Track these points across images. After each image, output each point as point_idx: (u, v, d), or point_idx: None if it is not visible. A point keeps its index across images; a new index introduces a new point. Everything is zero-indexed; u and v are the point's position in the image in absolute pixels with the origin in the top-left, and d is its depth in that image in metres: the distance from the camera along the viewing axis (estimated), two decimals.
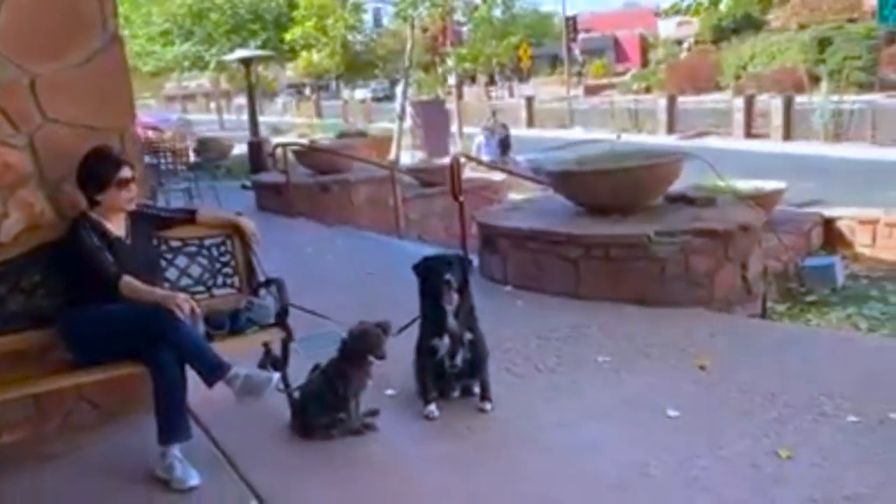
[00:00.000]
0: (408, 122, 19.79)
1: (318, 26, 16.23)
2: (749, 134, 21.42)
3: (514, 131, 24.88)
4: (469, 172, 12.48)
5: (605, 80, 41.21)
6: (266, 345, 3.53)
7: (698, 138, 22.27)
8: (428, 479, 2.96)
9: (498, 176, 11.58)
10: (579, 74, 43.60)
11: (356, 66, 21.12)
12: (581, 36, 46.01)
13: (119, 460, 3.29)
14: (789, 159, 16.91)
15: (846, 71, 27.09)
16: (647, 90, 33.87)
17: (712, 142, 21.41)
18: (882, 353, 4.01)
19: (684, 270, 4.94)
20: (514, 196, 11.94)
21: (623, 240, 5.05)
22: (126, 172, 3.21)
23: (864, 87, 25.94)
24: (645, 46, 47.85)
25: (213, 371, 3.00)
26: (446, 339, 3.41)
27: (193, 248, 3.67)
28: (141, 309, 3.04)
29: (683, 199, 5.77)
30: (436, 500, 2.82)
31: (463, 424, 3.38)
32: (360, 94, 47.53)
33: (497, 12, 19.42)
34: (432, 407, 3.44)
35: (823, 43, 28.36)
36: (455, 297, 3.34)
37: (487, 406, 3.47)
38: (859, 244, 7.52)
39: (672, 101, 24.05)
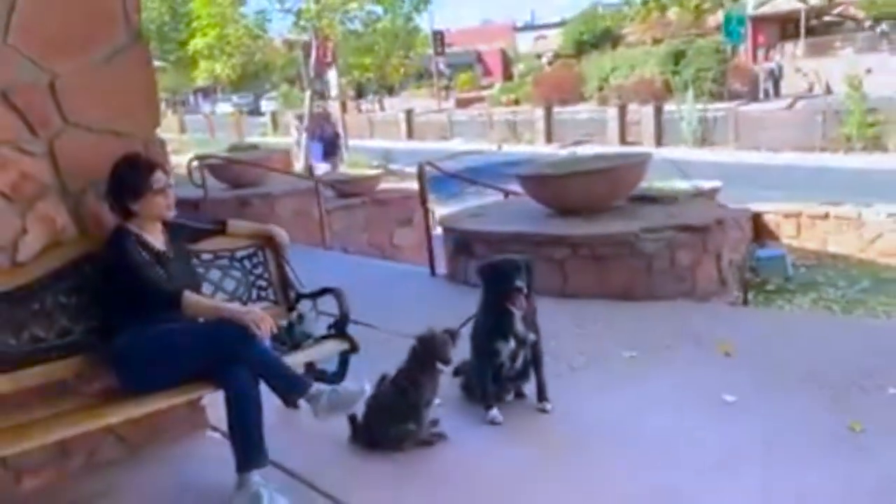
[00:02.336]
0: (293, 135, 19.36)
1: (219, 36, 15.57)
2: (624, 141, 22.62)
3: (394, 144, 24.95)
4: (388, 183, 12.42)
5: (473, 93, 42.15)
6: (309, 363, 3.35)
7: (576, 146, 23.26)
8: (517, 484, 2.88)
9: (413, 187, 11.52)
10: (447, 87, 44.37)
11: (249, 77, 20.44)
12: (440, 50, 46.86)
13: (170, 496, 3.00)
14: (666, 164, 17.97)
15: (699, 82, 29.16)
16: (516, 102, 34.98)
17: (590, 149, 22.39)
18: (879, 332, 4.34)
19: (669, 265, 5.14)
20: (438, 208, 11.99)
21: (610, 238, 5.18)
22: (161, 177, 2.96)
23: (715, 97, 27.99)
24: (506, 60, 49.45)
25: (296, 388, 2.81)
26: (511, 343, 3.36)
27: (226, 261, 3.43)
28: (211, 326, 2.80)
29: (646, 199, 6.01)
30: (545, 501, 2.76)
31: (529, 427, 3.34)
32: (223, 107, 46.04)
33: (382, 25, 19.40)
34: (495, 411, 3.37)
35: (678, 56, 30.43)
36: (524, 301, 3.30)
37: (548, 406, 3.44)
38: (785, 236, 8.14)
39: (549, 112, 24.99)
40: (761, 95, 29.60)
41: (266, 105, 44.03)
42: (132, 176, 2.94)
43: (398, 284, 6.12)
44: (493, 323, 3.37)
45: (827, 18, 36.47)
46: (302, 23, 15.80)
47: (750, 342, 4.14)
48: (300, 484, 2.94)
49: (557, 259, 5.30)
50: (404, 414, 3.10)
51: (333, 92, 23.28)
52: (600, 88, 32.33)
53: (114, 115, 3.14)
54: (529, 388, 3.57)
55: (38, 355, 2.90)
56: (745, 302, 5.43)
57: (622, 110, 23.16)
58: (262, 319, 2.78)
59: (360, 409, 3.10)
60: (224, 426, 3.42)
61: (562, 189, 5.74)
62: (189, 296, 2.83)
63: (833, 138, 18.75)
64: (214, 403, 3.35)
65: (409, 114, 31.11)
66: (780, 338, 4.25)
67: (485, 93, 41.72)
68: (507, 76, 45.96)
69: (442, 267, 6.52)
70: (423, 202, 6.42)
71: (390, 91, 44.73)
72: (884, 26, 32.88)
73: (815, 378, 3.59)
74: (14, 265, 2.94)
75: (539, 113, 25.28)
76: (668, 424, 3.24)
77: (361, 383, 2.88)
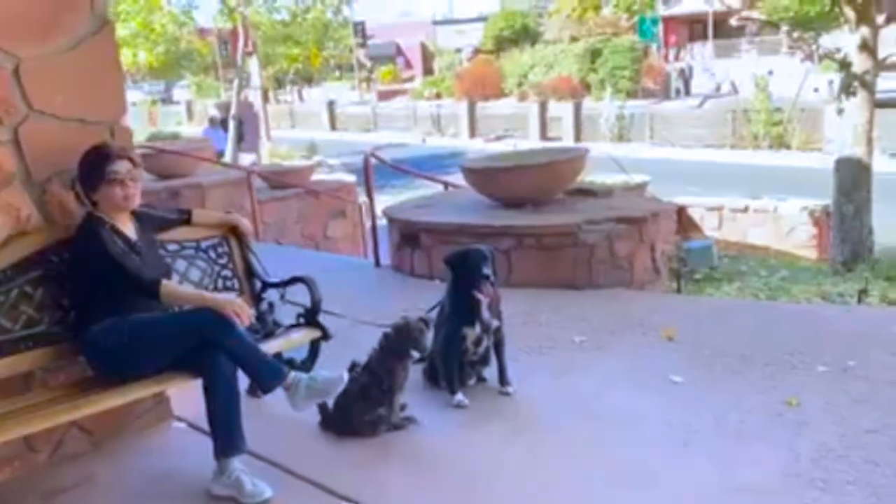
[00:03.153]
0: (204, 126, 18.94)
1: (144, 23, 15.01)
2: (545, 136, 23.15)
3: (316, 135, 24.73)
4: (321, 175, 12.35)
5: (395, 86, 42.14)
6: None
7: (499, 141, 23.67)
8: (488, 463, 3.00)
9: (349, 177, 11.55)
10: (368, 80, 44.16)
11: (172, 65, 19.81)
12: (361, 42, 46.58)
13: (138, 488, 2.99)
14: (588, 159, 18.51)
15: (615, 80, 30.05)
16: (438, 96, 35.20)
17: (512, 144, 22.81)
18: (803, 315, 4.69)
19: (609, 255, 5.38)
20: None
21: (555, 229, 5.38)
22: (119, 166, 2.90)
23: (630, 95, 28.92)
24: (426, 54, 49.56)
25: (274, 377, 2.85)
26: (477, 328, 3.49)
27: (191, 251, 3.43)
28: (190, 314, 2.82)
29: (584, 192, 6.25)
30: (517, 478, 2.90)
31: (493, 409, 3.48)
32: (133, 95, 44.41)
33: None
34: (461, 395, 3.50)
35: (594, 54, 31.25)
36: (491, 289, 3.43)
37: (510, 389, 3.60)
38: (708, 228, 8.59)
39: (472, 107, 25.31)
40: (673, 94, 30.75)
41: (178, 94, 42.77)
42: (88, 166, 2.91)
43: (343, 276, 6.16)
44: (460, 309, 3.49)
45: (733, 21, 38.13)
46: (226, 11, 15.43)
47: (688, 327, 4.41)
48: (277, 470, 2.99)
49: (503, 249, 5.44)
50: (378, 400, 3.19)
51: (255, 81, 22.88)
52: (520, 84, 32.86)
53: (80, 103, 3.09)
54: (489, 372, 3.72)
55: (4, 347, 2.84)
56: (679, 290, 5.74)
57: (543, 106, 23.70)
58: (241, 308, 2.81)
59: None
60: (189, 416, 3.47)
61: (506, 182, 5.90)
62: (167, 284, 2.84)
63: (742, 136, 19.74)
64: (179, 394, 3.37)
65: (331, 105, 30.86)
66: (714, 323, 4.54)
67: (406, 86, 41.77)
68: (428, 70, 46.09)
69: (385, 258, 6.60)
70: (369, 193, 6.47)
71: (309, 82, 44.18)
72: (784, 30, 34.71)
73: (751, 359, 3.87)
74: None
75: (463, 107, 25.56)
76: (623, 404, 3.44)
77: (339, 371, 2.95)
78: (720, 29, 36.98)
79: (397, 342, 3.22)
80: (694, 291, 6.27)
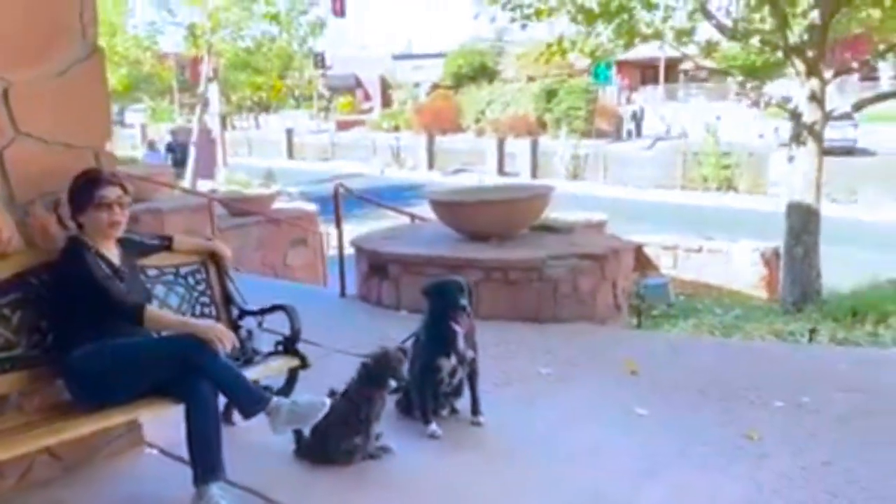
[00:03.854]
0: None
1: (107, 46, 14.87)
2: (502, 172, 23.52)
3: (274, 163, 24.67)
4: (281, 203, 12.33)
5: (353, 117, 42.36)
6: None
7: (457, 174, 23.95)
8: (461, 492, 3.06)
9: (310, 206, 11.57)
10: (326, 109, 44.34)
11: (132, 88, 19.61)
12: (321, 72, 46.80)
13: None
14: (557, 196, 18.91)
15: (570, 120, 30.79)
16: (396, 128, 35.54)
17: (470, 179, 23.12)
18: (757, 353, 4.89)
19: (573, 290, 5.54)
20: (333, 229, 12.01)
21: (521, 263, 5.52)
22: (109, 192, 2.93)
23: (584, 135, 29.63)
24: (385, 87, 50.00)
25: (258, 402, 2.88)
26: (452, 359, 3.57)
27: (170, 277, 3.44)
28: (173, 339, 2.83)
29: (546, 228, 6.42)
30: None
31: (466, 440, 3.54)
32: None
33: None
34: (434, 426, 3.55)
35: (550, 94, 32.01)
36: (468, 320, 3.52)
37: (482, 419, 3.67)
38: (663, 267, 8.85)
39: (431, 140, 25.59)
40: (625, 135, 31.60)
41: (131, 117, 42.21)
42: (78, 188, 2.94)
43: (309, 305, 6.07)
44: (436, 340, 3.56)
45: (683, 67, 39.47)
46: (191, 38, 15.43)
47: (649, 361, 4.56)
48: (255, 497, 3.00)
49: (471, 282, 5.54)
50: (355, 428, 3.23)
51: (214, 108, 22.80)
52: (477, 120, 33.43)
53: (66, 127, 3.11)
54: (461, 403, 3.79)
55: None
56: (639, 325, 5.91)
57: (501, 143, 24.10)
58: (224, 334, 2.84)
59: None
60: (161, 443, 3.46)
61: (473, 215, 6.04)
62: (151, 310, 2.86)
63: (692, 178, 20.37)
64: (151, 420, 3.36)
65: (289, 133, 30.83)
66: (674, 358, 4.71)
67: (364, 117, 42.03)
68: (386, 102, 46.48)
69: (351, 287, 6.64)
70: (338, 223, 6.53)
71: (266, 109, 44.12)
72: (731, 78, 36.07)
73: (710, 393, 4.03)
74: None
75: (422, 140, 25.83)
76: (591, 435, 3.55)
77: (321, 398, 2.99)
78: (670, 74, 38.30)
79: (376, 371, 3.27)
80: (652, 327, 6.46)
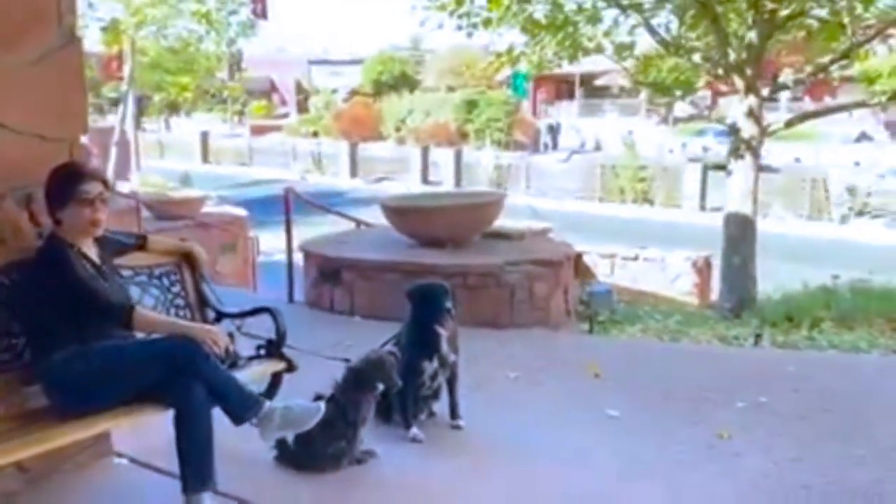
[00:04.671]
0: None
1: None
2: (426, 181, 23.60)
3: (188, 166, 23.98)
4: (210, 207, 11.96)
5: (268, 122, 41.56)
6: None
7: (380, 183, 23.88)
8: (450, 495, 3.06)
9: (240, 211, 11.29)
10: (241, 113, 43.35)
11: None
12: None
13: None
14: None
15: (489, 131, 31.23)
16: (315, 134, 35.11)
17: (394, 187, 23.11)
18: (710, 356, 5.09)
19: (528, 295, 5.62)
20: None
21: (479, 269, 5.56)
22: (91, 187, 2.79)
23: (502, 146, 30.11)
24: (300, 92, 49.34)
25: (250, 408, 2.78)
26: (435, 362, 3.55)
27: (144, 278, 3.28)
28: (164, 341, 2.71)
29: (497, 235, 6.50)
30: None
31: (447, 443, 3.54)
32: None
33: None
34: (415, 430, 3.53)
35: (471, 105, 32.37)
36: (452, 324, 3.52)
37: (461, 423, 3.67)
38: (601, 274, 9.08)
39: (354, 147, 25.42)
40: (542, 148, 32.29)
41: None
42: (58, 182, 2.78)
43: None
44: (419, 343, 3.54)
45: (597, 83, 40.71)
46: (112, 33, 14.74)
47: (611, 365, 4.67)
48: None
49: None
50: (342, 433, 3.17)
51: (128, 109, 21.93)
52: (398, 129, 33.45)
53: (40, 118, 2.94)
54: (437, 406, 3.78)
55: None
56: (591, 331, 6.05)
57: (425, 151, 24.19)
58: (218, 336, 2.75)
59: None
60: (130, 451, 3.30)
61: (429, 221, 6.05)
62: (140, 311, 2.74)
63: (609, 190, 21.02)
64: (118, 428, 3.20)
65: (205, 136, 29.98)
66: (632, 361, 4.85)
67: (280, 122, 41.32)
68: (302, 108, 45.86)
69: (298, 294, 6.53)
70: (288, 228, 6.41)
71: (176, 111, 42.75)
72: (643, 95, 37.47)
73: (674, 395, 4.18)
74: None
75: (344, 147, 25.62)
76: (569, 437, 3.61)
77: (316, 403, 2.93)
78: (585, 89, 39.43)
79: (364, 375, 3.23)
80: (601, 332, 6.62)
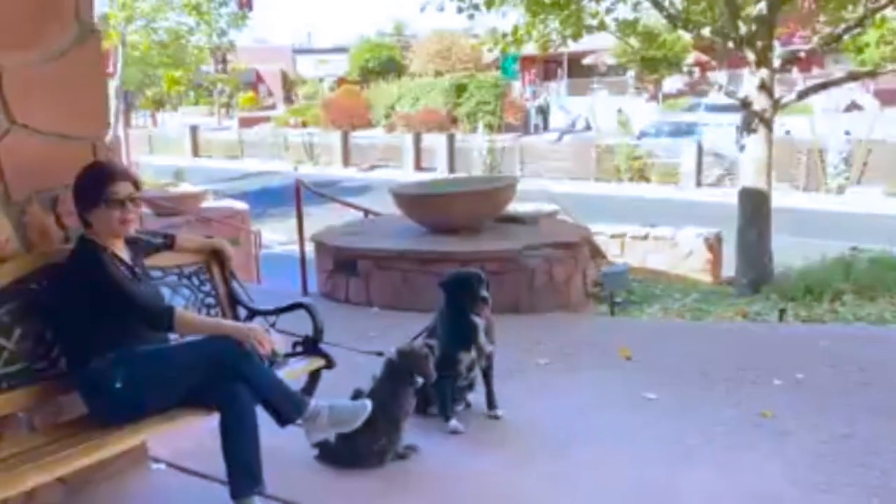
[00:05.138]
0: None
1: None
2: (419, 167, 23.45)
3: (178, 161, 23.76)
4: (211, 202, 11.81)
5: (257, 113, 41.17)
6: None
7: (373, 171, 23.72)
8: (503, 486, 2.99)
9: (241, 205, 11.16)
10: (228, 105, 42.93)
11: None
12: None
13: None
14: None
15: (480, 114, 31.01)
16: (304, 124, 34.80)
17: (388, 174, 22.97)
18: (737, 334, 5.03)
19: (549, 279, 5.55)
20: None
21: (498, 254, 5.48)
22: (121, 188, 2.69)
23: (493, 129, 29.90)
24: (286, 82, 48.95)
25: (297, 408, 2.71)
26: (473, 352, 3.48)
27: (174, 278, 3.19)
28: (209, 343, 2.62)
29: (511, 219, 6.41)
30: (538, 502, 2.90)
31: (489, 434, 3.47)
32: None
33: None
34: (455, 422, 3.46)
35: (460, 89, 32.11)
36: (488, 313, 3.44)
37: (500, 413, 3.60)
38: (611, 255, 9.01)
39: (346, 136, 25.20)
40: (532, 129, 32.12)
41: None
42: (86, 184, 2.68)
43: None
44: (456, 333, 3.46)
45: (585, 62, 40.51)
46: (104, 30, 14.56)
47: (639, 347, 4.60)
48: None
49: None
50: (384, 428, 3.10)
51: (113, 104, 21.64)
52: (387, 116, 33.19)
53: (62, 117, 2.83)
54: (472, 396, 3.71)
55: None
56: (612, 312, 5.99)
57: (417, 138, 24.02)
58: (263, 335, 2.67)
59: None
60: (166, 456, 3.23)
61: (443, 208, 5.95)
62: (182, 313, 2.65)
63: (605, 169, 20.93)
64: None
65: (194, 130, 29.67)
66: (661, 342, 4.79)
67: (268, 113, 40.96)
68: (287, 98, 45.50)
69: (311, 285, 6.44)
70: (300, 220, 6.30)
71: (161, 106, 42.31)
72: (630, 73, 37.33)
73: (709, 375, 4.11)
74: None
75: (336, 136, 25.40)
76: (612, 422, 3.54)
77: (362, 401, 2.85)
78: (573, 68, 39.22)
79: (402, 368, 3.16)
80: (621, 313, 6.57)
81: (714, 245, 9.52)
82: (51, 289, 2.71)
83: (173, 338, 2.78)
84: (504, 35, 9.31)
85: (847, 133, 18.53)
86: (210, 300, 3.30)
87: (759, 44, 8.39)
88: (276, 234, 14.46)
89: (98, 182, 2.66)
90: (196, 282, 3.27)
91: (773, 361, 4.29)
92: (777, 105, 8.69)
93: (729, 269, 9.50)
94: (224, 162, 26.38)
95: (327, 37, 55.25)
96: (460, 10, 8.99)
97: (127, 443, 2.53)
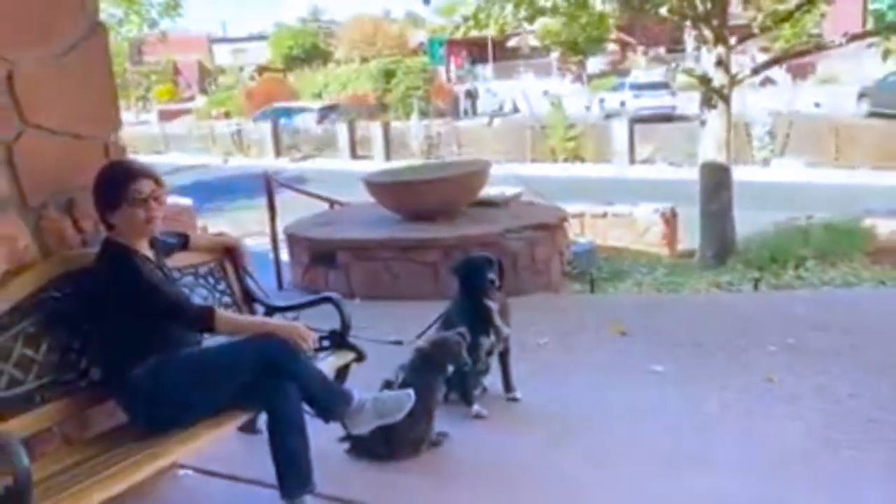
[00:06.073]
0: None
1: None
2: (355, 155, 23.20)
3: None
4: None
5: (177, 106, 39.84)
6: None
7: (307, 161, 23.34)
8: (549, 467, 2.99)
9: (184, 201, 10.78)
10: (145, 99, 41.40)
11: None
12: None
13: None
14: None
15: (409, 100, 30.90)
16: (227, 115, 33.90)
17: (323, 163, 22.65)
18: (718, 304, 5.21)
19: (531, 261, 5.61)
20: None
21: (480, 239, 5.50)
22: (143, 185, 2.58)
23: (423, 114, 29.83)
24: (203, 72, 47.53)
25: (343, 403, 2.68)
26: (492, 336, 3.50)
27: (191, 278, 3.08)
28: (250, 343, 2.54)
29: (483, 203, 6.44)
30: (577, 479, 2.94)
31: (512, 416, 3.50)
32: None
33: None
34: (478, 406, 3.48)
35: (388, 74, 31.93)
36: (501, 295, 3.46)
37: (518, 395, 3.64)
38: (571, 233, 9.12)
39: (276, 126, 24.68)
40: (461, 114, 32.19)
41: None
42: (107, 184, 2.56)
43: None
44: (472, 319, 3.46)
45: (509, 44, 40.82)
46: None
47: (630, 322, 4.72)
48: None
49: (430, 262, 5.47)
50: (418, 417, 3.08)
51: None
52: None
53: (74, 116, 2.69)
54: (487, 380, 3.73)
55: (18, 402, 2.40)
56: (592, 290, 6.09)
57: (351, 125, 23.74)
58: (306, 332, 2.61)
59: None
60: (191, 461, 3.13)
61: (419, 195, 5.93)
62: (222, 313, 2.57)
63: (540, 151, 21.19)
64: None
65: None
66: (649, 316, 4.91)
67: (188, 105, 39.72)
68: (202, 88, 44.22)
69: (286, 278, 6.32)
70: (272, 214, 6.16)
71: None
72: (554, 55, 37.82)
73: (706, 345, 4.25)
74: None
75: (266, 127, 24.84)
76: (628, 397, 3.62)
77: (406, 390, 2.83)
78: (498, 52, 39.48)
79: (436, 358, 3.16)
80: (598, 290, 6.69)
81: (670, 219, 9.80)
82: (75, 296, 2.59)
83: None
84: (466, 19, 9.31)
85: (769, 112, 19.23)
86: (226, 298, 3.20)
87: (715, 21, 8.65)
88: (222, 229, 14.11)
89: (119, 181, 2.54)
90: (212, 280, 3.17)
91: (759, 329, 4.46)
92: (734, 81, 8.99)
93: (684, 242, 9.81)
94: (148, 157, 25.43)
95: (242, 25, 53.66)
96: None
97: (185, 449, 2.44)
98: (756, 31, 9.20)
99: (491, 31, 9.88)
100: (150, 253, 2.65)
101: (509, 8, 8.61)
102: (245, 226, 11.94)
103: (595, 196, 12.03)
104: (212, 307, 2.56)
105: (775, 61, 10.41)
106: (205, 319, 2.51)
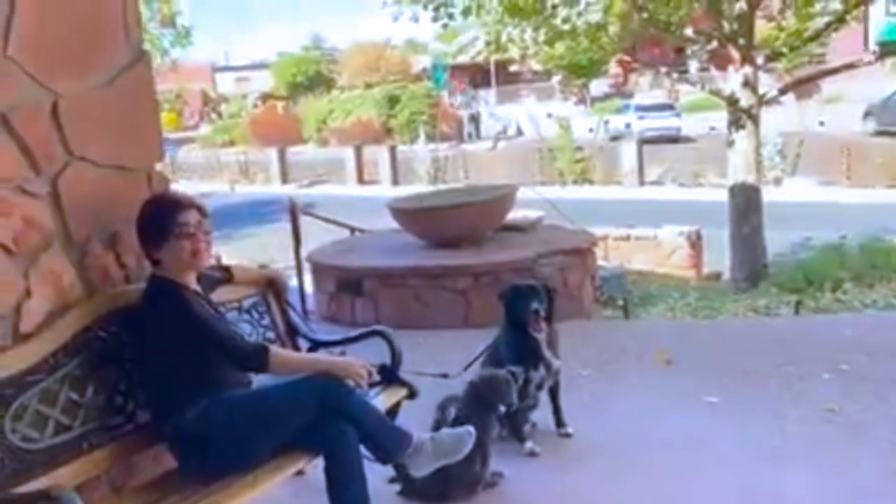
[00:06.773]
0: None
1: None
2: (362, 181, 23.17)
3: None
4: None
5: (181, 134, 39.95)
6: None
7: (314, 187, 23.30)
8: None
9: None
10: None
11: None
12: None
13: None
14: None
15: (414, 125, 30.97)
16: (232, 143, 33.99)
17: (330, 189, 22.60)
18: (761, 329, 5.07)
19: (563, 287, 5.47)
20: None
21: (512, 265, 5.38)
22: (188, 217, 2.47)
23: (429, 139, 29.88)
24: (207, 101, 47.79)
25: (402, 444, 2.54)
26: (542, 370, 3.36)
27: (235, 313, 2.96)
28: (306, 382, 2.42)
29: (509, 228, 6.33)
30: None
31: (565, 452, 3.36)
32: None
33: None
34: (531, 443, 3.34)
35: (393, 100, 32.01)
36: (544, 325, 3.33)
37: (570, 430, 3.49)
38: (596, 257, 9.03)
39: (282, 153, 24.70)
40: (466, 137, 32.25)
41: None
42: (152, 218, 2.46)
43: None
44: (521, 353, 3.33)
45: (511, 69, 41.00)
46: None
47: (673, 350, 4.57)
48: None
49: (460, 289, 5.35)
50: (473, 457, 2.94)
51: None
52: (319, 130, 32.77)
53: (118, 147, 2.61)
54: (536, 415, 3.59)
55: (67, 449, 2.27)
56: (626, 316, 5.96)
57: (358, 151, 23.76)
58: (363, 369, 2.49)
59: None
60: None
61: (444, 221, 5.82)
62: (277, 350, 2.45)
63: (548, 173, 21.15)
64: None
65: None
66: (692, 344, 4.77)
67: (192, 133, 39.86)
68: (204, 116, 44.43)
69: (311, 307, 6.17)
70: (296, 240, 6.04)
71: None
72: (556, 78, 37.95)
73: (755, 374, 4.10)
74: (18, 338, 2.28)
75: (272, 154, 24.86)
76: (684, 430, 3.47)
77: (465, 428, 2.70)
78: (500, 76, 39.62)
79: (485, 395, 3.03)
80: (631, 315, 6.55)
81: (695, 242, 9.68)
82: (122, 336, 2.47)
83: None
84: (488, 44, 9.27)
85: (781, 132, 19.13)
86: (270, 334, 3.08)
87: (741, 41, 8.60)
88: (232, 257, 14.03)
89: (164, 214, 2.44)
90: (255, 315, 3.06)
91: (807, 355, 4.32)
92: (762, 100, 8.92)
93: (709, 264, 9.68)
94: None
95: (244, 54, 54.05)
96: (435, 20, 8.89)
97: (246, 497, 2.28)
98: (784, 50, 9.15)
99: (502, 55, 9.83)
100: (198, 288, 2.54)
101: (529, 32, 8.58)
102: (252, 254, 11.83)
103: (609, 218, 11.93)
104: (266, 345, 2.45)
105: (803, 81, 10.36)
106: (260, 357, 2.38)
